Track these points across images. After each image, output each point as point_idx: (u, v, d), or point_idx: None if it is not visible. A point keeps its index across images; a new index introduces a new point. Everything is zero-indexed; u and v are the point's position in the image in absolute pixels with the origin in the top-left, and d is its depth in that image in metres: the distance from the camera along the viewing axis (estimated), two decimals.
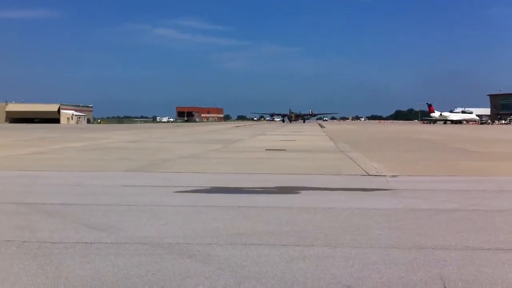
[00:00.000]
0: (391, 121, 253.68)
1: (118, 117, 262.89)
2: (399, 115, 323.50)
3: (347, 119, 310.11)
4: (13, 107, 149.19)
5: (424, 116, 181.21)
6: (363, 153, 23.80)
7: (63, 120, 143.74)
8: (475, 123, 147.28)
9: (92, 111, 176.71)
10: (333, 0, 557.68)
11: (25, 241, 7.04)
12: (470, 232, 7.72)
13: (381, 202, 10.39)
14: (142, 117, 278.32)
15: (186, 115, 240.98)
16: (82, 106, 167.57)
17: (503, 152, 25.86)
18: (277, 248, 6.73)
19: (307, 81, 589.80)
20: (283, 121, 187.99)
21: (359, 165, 17.79)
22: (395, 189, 12.23)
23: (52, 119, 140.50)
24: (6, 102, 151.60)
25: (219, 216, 8.80)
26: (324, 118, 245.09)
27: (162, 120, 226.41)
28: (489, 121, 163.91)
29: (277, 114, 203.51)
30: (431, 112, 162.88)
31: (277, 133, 55.51)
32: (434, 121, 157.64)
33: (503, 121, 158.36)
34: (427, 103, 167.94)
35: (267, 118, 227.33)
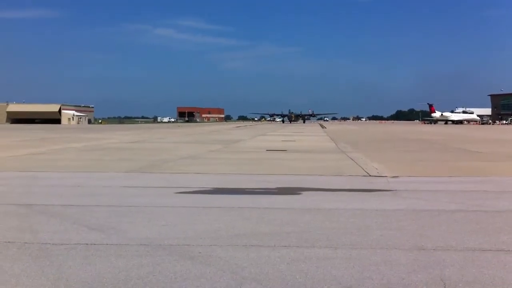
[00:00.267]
0: (392, 121, 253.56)
1: (119, 117, 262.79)
2: (400, 115, 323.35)
3: (348, 119, 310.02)
4: (14, 107, 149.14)
5: (425, 116, 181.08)
6: (364, 153, 23.79)
7: (64, 120, 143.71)
8: (476, 123, 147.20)
9: (93, 111, 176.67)
10: (333, 0, 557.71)
11: (26, 243, 7.04)
12: (471, 233, 7.72)
13: (382, 203, 10.38)
14: (143, 117, 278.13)
15: (187, 116, 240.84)
16: (83, 106, 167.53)
17: (504, 153, 25.84)
18: (278, 250, 6.72)
19: (307, 81, 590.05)
20: (283, 121, 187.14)
21: (360, 166, 17.78)
22: (396, 189, 12.22)
23: (53, 119, 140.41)
24: (7, 102, 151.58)
25: (220, 217, 8.80)
26: (325, 119, 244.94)
27: (163, 121, 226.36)
28: (490, 121, 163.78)
29: (277, 115, 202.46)
30: (432, 112, 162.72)
31: (278, 134, 55.50)
32: (435, 121, 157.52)
33: (504, 121, 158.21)
34: (428, 103, 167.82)
35: (268, 119, 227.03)
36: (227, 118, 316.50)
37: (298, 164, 19.00)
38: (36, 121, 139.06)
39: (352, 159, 20.78)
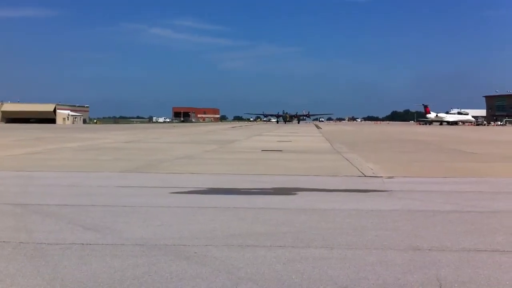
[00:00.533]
0: (387, 122, 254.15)
1: (114, 117, 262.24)
2: (395, 116, 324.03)
3: (343, 120, 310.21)
4: (8, 107, 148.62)
5: (420, 117, 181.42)
6: (359, 154, 23.83)
7: (59, 120, 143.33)
8: (471, 124, 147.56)
9: (88, 111, 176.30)
10: (330, 1, 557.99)
11: (21, 242, 7.02)
12: (466, 233, 7.74)
13: (378, 204, 10.40)
14: (138, 117, 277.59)
15: (182, 116, 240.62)
16: (78, 106, 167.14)
17: (498, 153, 25.92)
18: (273, 250, 6.72)
19: (304, 81, 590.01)
20: (277, 121, 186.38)
21: (355, 166, 17.80)
22: (391, 190, 12.25)
23: (48, 119, 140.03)
24: (2, 102, 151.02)
25: (216, 217, 8.79)
26: (321, 119, 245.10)
27: (158, 121, 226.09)
28: (485, 122, 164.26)
29: (271, 115, 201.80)
30: (427, 113, 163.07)
31: (274, 134, 55.51)
32: (430, 122, 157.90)
33: (499, 122, 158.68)
34: (423, 104, 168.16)
35: (264, 119, 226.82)
36: (223, 119, 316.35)
37: (293, 164, 19.01)
38: (31, 120, 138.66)
39: (347, 159, 20.81)
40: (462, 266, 6.07)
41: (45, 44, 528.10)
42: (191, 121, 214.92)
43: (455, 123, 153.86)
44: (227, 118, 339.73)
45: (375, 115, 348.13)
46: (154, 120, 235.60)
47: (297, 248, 6.81)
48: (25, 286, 5.39)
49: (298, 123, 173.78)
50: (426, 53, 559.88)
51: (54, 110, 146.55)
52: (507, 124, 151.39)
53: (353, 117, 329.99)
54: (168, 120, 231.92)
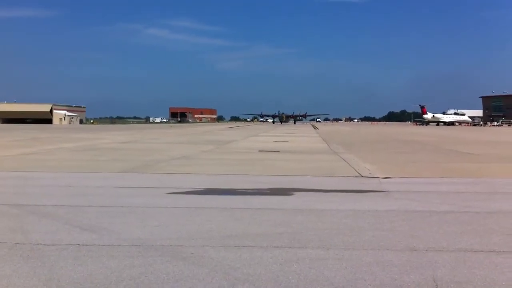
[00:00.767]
0: (384, 122, 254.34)
1: (111, 117, 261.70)
2: (392, 117, 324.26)
3: (340, 120, 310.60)
4: (4, 107, 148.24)
5: (416, 118, 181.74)
6: (356, 154, 23.86)
7: (55, 120, 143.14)
8: (468, 125, 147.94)
9: (84, 111, 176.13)
10: (326, 2, 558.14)
11: (17, 243, 7.01)
12: (462, 234, 7.75)
13: (374, 204, 10.40)
14: (135, 117, 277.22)
15: (179, 116, 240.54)
16: (74, 106, 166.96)
17: (495, 154, 25.98)
18: (270, 250, 6.72)
19: (301, 82, 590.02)
20: (273, 122, 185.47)
21: (352, 167, 17.82)
22: (388, 190, 12.26)
23: (45, 119, 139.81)
24: None
25: (212, 218, 8.79)
26: (318, 119, 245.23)
27: (155, 121, 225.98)
28: (481, 122, 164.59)
29: (267, 115, 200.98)
30: (424, 114, 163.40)
31: (270, 134, 55.53)
32: (427, 122, 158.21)
33: (495, 123, 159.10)
34: (419, 105, 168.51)
35: (261, 119, 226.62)
36: (220, 119, 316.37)
37: (290, 165, 19.02)
38: (27, 121, 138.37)
39: (344, 160, 20.82)
40: (458, 267, 6.08)
41: (42, 44, 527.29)
42: (188, 122, 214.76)
43: (451, 123, 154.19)
44: (224, 118, 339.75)
45: (371, 116, 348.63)
46: (151, 120, 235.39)
47: (294, 249, 6.82)
48: (21, 287, 5.38)
49: (294, 123, 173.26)
50: (422, 53, 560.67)
51: (51, 111, 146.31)
52: (504, 125, 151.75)
53: (350, 117, 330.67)
54: (165, 120, 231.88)
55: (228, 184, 13.20)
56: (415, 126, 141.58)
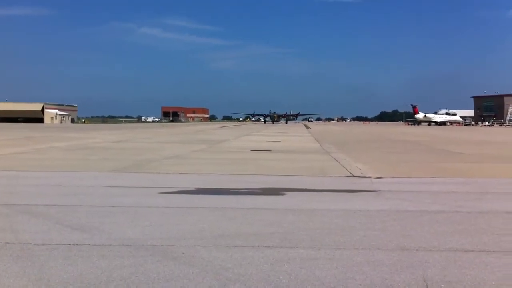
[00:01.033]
0: (376, 122, 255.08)
1: (103, 116, 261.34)
2: (384, 116, 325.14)
3: (333, 120, 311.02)
4: None
5: (408, 118, 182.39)
6: (348, 154, 23.90)
7: (47, 119, 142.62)
8: (459, 125, 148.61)
9: (76, 110, 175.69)
10: (320, 2, 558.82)
11: (7, 243, 6.96)
12: (453, 233, 7.78)
13: (366, 204, 10.42)
14: (127, 117, 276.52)
15: (171, 115, 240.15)
16: (66, 105, 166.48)
17: (486, 154, 26.10)
18: (261, 250, 6.72)
19: (293, 82, 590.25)
20: (265, 121, 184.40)
21: (344, 166, 17.85)
22: (380, 190, 12.29)
23: (36, 118, 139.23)
24: None
25: (204, 218, 8.78)
26: (310, 119, 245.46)
27: (147, 120, 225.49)
28: (473, 122, 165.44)
29: (259, 115, 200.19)
30: (416, 114, 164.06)
31: (263, 134, 55.54)
32: (419, 122, 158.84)
33: (487, 123, 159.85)
34: (411, 105, 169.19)
35: (253, 119, 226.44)
36: (212, 118, 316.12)
37: (282, 164, 19.02)
38: (18, 120, 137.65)
39: (336, 159, 20.85)
40: (449, 266, 6.10)
41: (34, 43, 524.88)
42: (180, 121, 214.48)
43: (443, 123, 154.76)
44: (217, 118, 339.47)
45: (364, 115, 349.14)
46: (143, 119, 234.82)
47: (285, 249, 6.82)
48: (10, 287, 5.34)
49: (286, 123, 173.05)
50: (415, 54, 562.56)
51: (42, 110, 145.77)
52: (495, 125, 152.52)
53: (342, 117, 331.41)
54: (157, 119, 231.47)
55: (220, 184, 13.19)
56: (407, 126, 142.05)
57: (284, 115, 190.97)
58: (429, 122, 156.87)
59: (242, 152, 25.39)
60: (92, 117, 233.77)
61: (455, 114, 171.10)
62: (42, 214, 8.97)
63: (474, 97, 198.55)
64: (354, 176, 15.19)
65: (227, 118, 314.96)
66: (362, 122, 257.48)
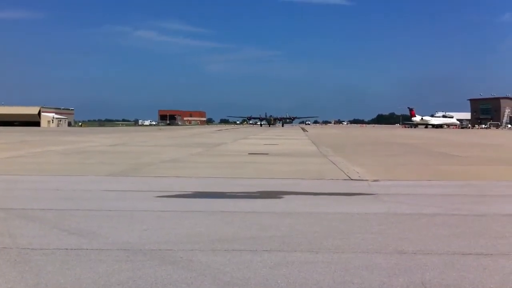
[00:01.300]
0: (373, 125, 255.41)
1: (100, 120, 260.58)
2: (380, 119, 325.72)
3: (330, 123, 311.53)
4: None
5: (405, 120, 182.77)
6: (345, 157, 23.91)
7: (43, 123, 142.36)
8: (456, 127, 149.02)
9: (73, 114, 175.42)
10: (315, 5, 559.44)
11: (4, 248, 6.94)
12: (451, 237, 7.78)
13: (363, 207, 10.42)
14: (124, 120, 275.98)
15: (168, 119, 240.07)
16: (63, 109, 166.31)
17: (483, 156, 26.16)
18: (259, 254, 6.71)
19: (290, 84, 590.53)
20: (261, 125, 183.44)
21: (341, 170, 17.85)
22: (377, 193, 12.29)
23: (32, 122, 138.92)
24: None
25: (202, 221, 8.76)
26: (307, 122, 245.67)
27: (144, 124, 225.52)
28: (470, 125, 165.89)
29: (255, 118, 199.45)
30: (413, 116, 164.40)
31: (260, 137, 55.54)
32: (416, 125, 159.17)
33: (483, 126, 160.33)
34: (408, 107, 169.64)
35: (250, 122, 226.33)
36: (209, 121, 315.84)
37: (280, 167, 19.02)
38: (15, 123, 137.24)
39: (333, 162, 20.86)
40: (447, 270, 6.10)
41: (30, 46, 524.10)
42: (177, 124, 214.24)
43: (440, 126, 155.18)
44: (214, 121, 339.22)
45: (361, 118, 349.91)
46: (140, 123, 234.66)
47: (283, 252, 6.81)
48: None
49: (282, 126, 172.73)
50: (411, 57, 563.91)
51: (39, 113, 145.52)
52: (491, 127, 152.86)
53: (339, 120, 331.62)
54: (154, 123, 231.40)
55: (217, 187, 13.17)
56: (404, 128, 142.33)
57: (280, 118, 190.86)
58: (426, 125, 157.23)
59: (239, 156, 25.38)
60: (89, 120, 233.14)
61: (452, 117, 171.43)
62: (39, 218, 8.95)
63: (471, 100, 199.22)
64: (351, 179, 15.20)
65: (224, 121, 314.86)
66: (359, 125, 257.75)
